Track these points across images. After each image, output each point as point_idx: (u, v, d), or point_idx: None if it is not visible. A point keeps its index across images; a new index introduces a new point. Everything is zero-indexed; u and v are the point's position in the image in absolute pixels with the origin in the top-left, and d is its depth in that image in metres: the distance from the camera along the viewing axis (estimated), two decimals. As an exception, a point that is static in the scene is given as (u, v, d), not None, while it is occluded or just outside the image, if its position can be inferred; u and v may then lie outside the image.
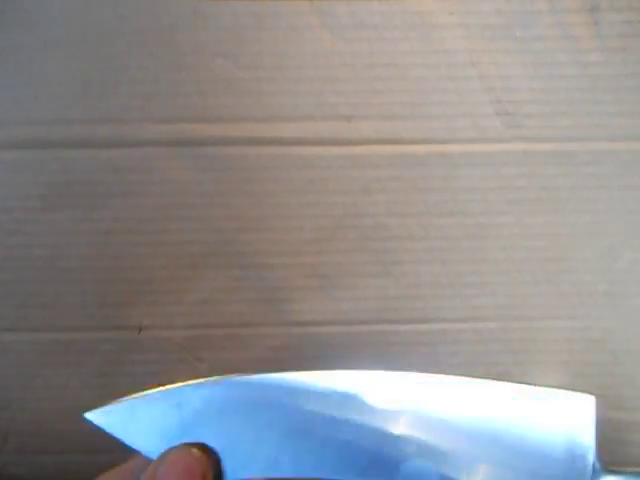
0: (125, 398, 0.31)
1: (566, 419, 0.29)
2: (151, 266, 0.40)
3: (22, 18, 0.38)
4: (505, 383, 0.30)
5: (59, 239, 0.39)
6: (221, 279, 0.40)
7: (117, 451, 0.41)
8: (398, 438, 0.29)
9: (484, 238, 0.40)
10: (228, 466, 0.29)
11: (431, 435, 0.29)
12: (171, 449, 0.28)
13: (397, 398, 0.29)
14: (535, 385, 0.29)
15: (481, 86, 0.38)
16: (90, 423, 0.30)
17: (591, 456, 0.28)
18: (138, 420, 0.30)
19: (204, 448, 0.29)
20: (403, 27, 0.38)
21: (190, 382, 0.31)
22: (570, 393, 0.29)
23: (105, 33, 0.38)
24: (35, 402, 0.41)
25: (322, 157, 0.39)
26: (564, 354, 0.40)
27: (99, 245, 0.39)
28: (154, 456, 0.29)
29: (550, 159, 0.39)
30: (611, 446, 0.41)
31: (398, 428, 0.29)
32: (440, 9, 0.38)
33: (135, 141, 0.39)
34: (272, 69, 0.38)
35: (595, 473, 0.28)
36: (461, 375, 0.40)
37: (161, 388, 0.31)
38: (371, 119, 0.39)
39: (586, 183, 0.39)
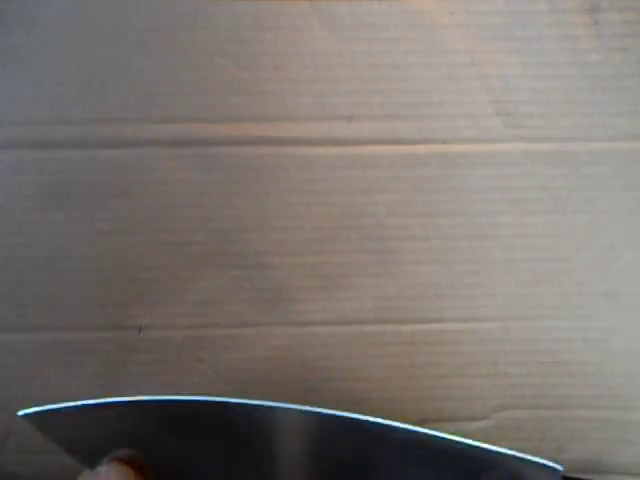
0: (63, 404, 0.30)
1: None
2: (151, 266, 0.39)
3: (22, 18, 0.38)
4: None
5: (59, 239, 0.39)
6: (221, 279, 0.40)
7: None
8: None
9: (484, 238, 0.40)
10: None
11: None
12: (100, 467, 0.28)
13: None
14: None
15: (481, 86, 0.38)
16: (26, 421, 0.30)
17: None
18: (75, 428, 0.30)
19: (133, 462, 0.28)
20: (403, 27, 0.38)
21: (126, 398, 0.30)
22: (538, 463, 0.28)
23: (105, 33, 0.38)
24: (35, 402, 0.41)
25: (322, 157, 0.39)
26: (564, 354, 0.40)
27: (99, 245, 0.39)
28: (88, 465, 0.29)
29: (550, 159, 0.39)
30: (611, 446, 0.41)
31: None
32: (440, 9, 0.38)
33: (135, 141, 0.39)
34: (272, 69, 0.38)
35: None
36: (461, 375, 0.41)
37: (98, 400, 0.30)
38: (371, 119, 0.39)
39: (586, 183, 0.39)
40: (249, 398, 0.29)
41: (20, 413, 0.29)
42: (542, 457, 0.28)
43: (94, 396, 0.41)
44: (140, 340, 0.40)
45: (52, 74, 0.38)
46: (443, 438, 0.28)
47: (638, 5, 0.38)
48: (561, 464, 0.28)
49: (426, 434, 0.28)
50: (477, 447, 0.27)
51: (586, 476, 0.42)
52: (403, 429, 0.28)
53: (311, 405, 0.32)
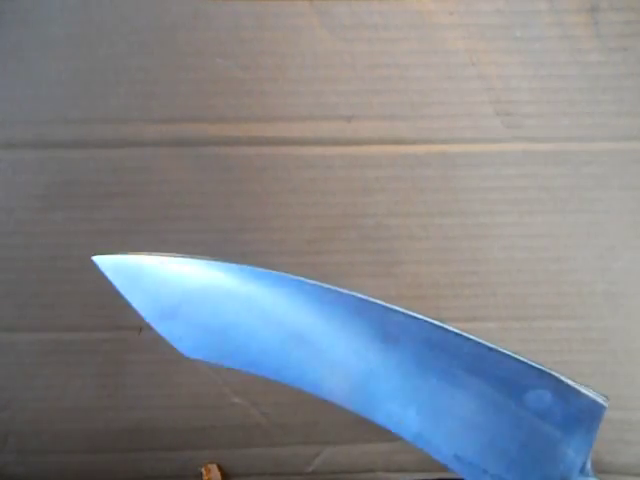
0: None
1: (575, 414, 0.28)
2: (151, 266, 0.39)
3: (22, 18, 0.38)
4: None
5: (59, 239, 0.39)
6: (221, 279, 0.40)
7: (117, 451, 0.42)
8: None
9: (484, 238, 0.40)
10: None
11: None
12: None
13: None
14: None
15: (481, 86, 0.38)
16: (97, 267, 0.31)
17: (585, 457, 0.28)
18: (142, 280, 0.31)
19: None
20: (403, 27, 0.38)
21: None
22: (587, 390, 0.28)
23: (105, 33, 0.38)
24: (35, 402, 0.41)
25: (322, 157, 0.39)
26: (564, 354, 0.40)
27: (99, 245, 0.39)
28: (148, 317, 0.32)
29: (550, 159, 0.39)
30: (611, 446, 0.41)
31: None
32: (440, 9, 0.38)
33: (135, 141, 0.39)
34: (272, 69, 0.38)
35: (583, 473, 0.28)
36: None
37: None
38: (371, 119, 0.39)
39: (586, 183, 0.39)
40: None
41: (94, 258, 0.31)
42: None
43: (94, 396, 0.41)
44: (140, 340, 0.40)
45: (52, 74, 0.38)
46: (499, 350, 0.28)
47: (638, 5, 0.38)
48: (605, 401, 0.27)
49: (485, 345, 0.29)
50: (528, 364, 0.28)
51: (586, 476, 0.42)
52: (464, 337, 0.29)
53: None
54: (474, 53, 0.38)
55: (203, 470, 0.41)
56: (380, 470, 0.42)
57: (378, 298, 0.40)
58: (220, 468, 0.42)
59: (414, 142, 0.39)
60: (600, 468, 0.42)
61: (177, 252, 0.39)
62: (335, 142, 0.39)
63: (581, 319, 0.40)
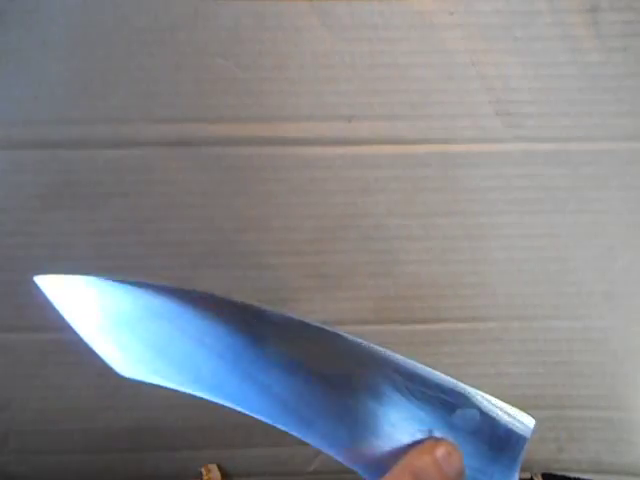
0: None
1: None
2: (151, 266, 0.39)
3: (22, 18, 0.38)
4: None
5: (59, 239, 0.39)
6: (221, 279, 0.40)
7: (117, 451, 0.42)
8: None
9: (484, 238, 0.40)
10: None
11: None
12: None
13: None
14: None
15: (481, 86, 0.38)
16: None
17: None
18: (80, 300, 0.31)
19: None
20: (403, 27, 0.38)
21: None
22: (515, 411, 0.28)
23: (105, 33, 0.38)
24: (35, 402, 0.41)
25: (322, 157, 0.39)
26: (564, 354, 0.40)
27: (99, 245, 0.39)
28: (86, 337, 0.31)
29: (550, 159, 0.39)
30: (612, 446, 0.41)
31: None
32: (440, 9, 0.38)
33: (135, 141, 0.39)
34: (272, 69, 0.38)
35: None
36: (461, 375, 0.40)
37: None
38: (371, 119, 0.39)
39: (586, 183, 0.39)
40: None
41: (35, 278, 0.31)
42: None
43: (94, 396, 0.41)
44: (140, 340, 0.40)
45: (52, 74, 0.38)
46: (428, 371, 0.29)
47: (638, 5, 0.38)
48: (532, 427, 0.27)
49: (415, 365, 0.29)
50: (455, 385, 0.28)
51: (586, 476, 0.42)
52: (393, 357, 0.29)
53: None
54: (474, 53, 0.38)
55: (203, 470, 0.41)
56: (380, 470, 0.42)
57: (378, 298, 0.40)
58: (220, 468, 0.42)
59: (414, 142, 0.39)
60: (601, 468, 0.42)
61: (177, 252, 0.40)
62: (335, 142, 0.39)
63: (581, 319, 0.40)
